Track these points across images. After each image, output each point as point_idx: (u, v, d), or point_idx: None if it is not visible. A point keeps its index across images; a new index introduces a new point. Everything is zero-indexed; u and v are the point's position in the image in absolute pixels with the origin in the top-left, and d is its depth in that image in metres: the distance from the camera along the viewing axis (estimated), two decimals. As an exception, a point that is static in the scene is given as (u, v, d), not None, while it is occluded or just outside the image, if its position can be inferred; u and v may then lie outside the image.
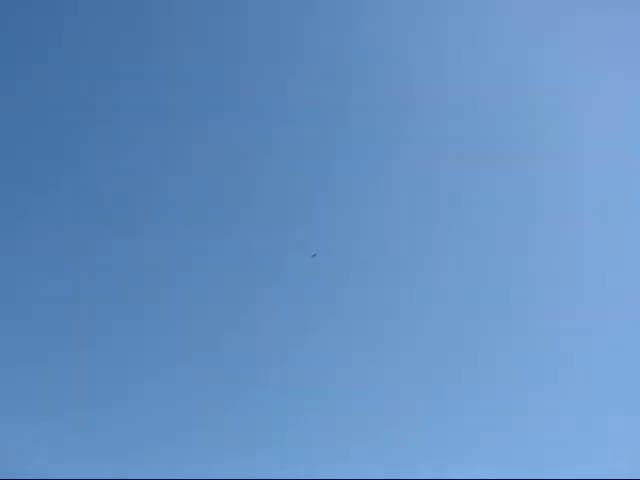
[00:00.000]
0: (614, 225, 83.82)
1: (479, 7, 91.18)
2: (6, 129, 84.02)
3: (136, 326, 77.41)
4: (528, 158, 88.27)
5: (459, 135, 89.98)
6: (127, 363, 74.40)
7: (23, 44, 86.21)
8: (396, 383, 74.48)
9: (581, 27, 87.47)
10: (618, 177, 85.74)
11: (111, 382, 72.59)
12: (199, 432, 70.21)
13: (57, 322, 75.53)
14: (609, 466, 63.32)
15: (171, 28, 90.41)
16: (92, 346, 74.70)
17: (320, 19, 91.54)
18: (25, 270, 78.02)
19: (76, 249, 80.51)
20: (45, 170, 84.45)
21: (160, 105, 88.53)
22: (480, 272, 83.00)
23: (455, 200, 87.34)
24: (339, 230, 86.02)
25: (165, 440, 69.40)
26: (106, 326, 76.54)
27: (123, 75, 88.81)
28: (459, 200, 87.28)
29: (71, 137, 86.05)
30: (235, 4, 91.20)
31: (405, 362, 76.36)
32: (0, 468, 62.01)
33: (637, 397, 69.56)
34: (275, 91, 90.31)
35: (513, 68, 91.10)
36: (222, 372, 74.94)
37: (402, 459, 67.65)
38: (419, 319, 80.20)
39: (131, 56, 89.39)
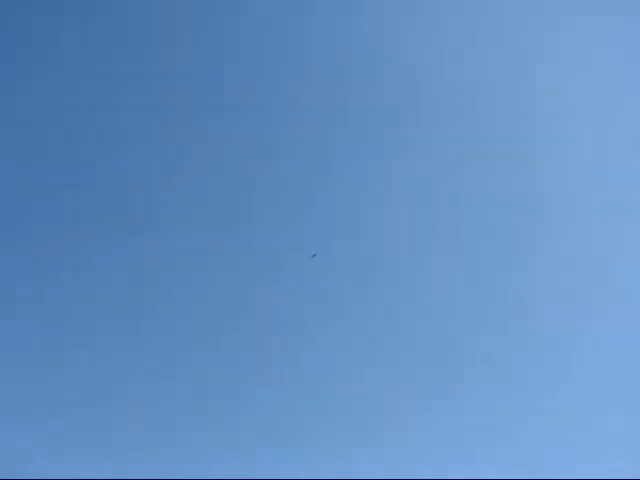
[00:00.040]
0: (614, 225, 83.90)
1: (479, 7, 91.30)
2: (6, 129, 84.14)
3: (136, 326, 77.52)
4: (528, 158, 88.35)
5: (459, 135, 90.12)
6: (127, 363, 74.50)
7: (23, 44, 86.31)
8: (396, 383, 74.58)
9: (581, 27, 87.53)
10: (618, 177, 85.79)
11: (111, 382, 72.68)
12: (199, 432, 70.26)
13: (57, 322, 75.60)
14: (609, 466, 63.32)
15: (171, 28, 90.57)
16: (92, 346, 74.76)
17: (320, 19, 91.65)
18: (25, 270, 78.14)
19: (76, 249, 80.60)
20: (45, 170, 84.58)
21: (160, 105, 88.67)
22: (480, 272, 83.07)
23: (455, 200, 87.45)
24: (339, 230, 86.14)
25: (165, 440, 69.45)
26: (106, 326, 76.65)
27: (123, 75, 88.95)
28: (459, 200, 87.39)
29: (71, 137, 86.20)
30: (235, 4, 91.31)
31: (406, 362, 76.44)
32: (0, 468, 62.03)
33: (637, 397, 69.58)
34: (275, 91, 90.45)
35: (513, 68, 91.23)
36: (222, 372, 75.04)
37: (402, 459, 67.67)
38: (419, 319, 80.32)
39: (131, 56, 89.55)
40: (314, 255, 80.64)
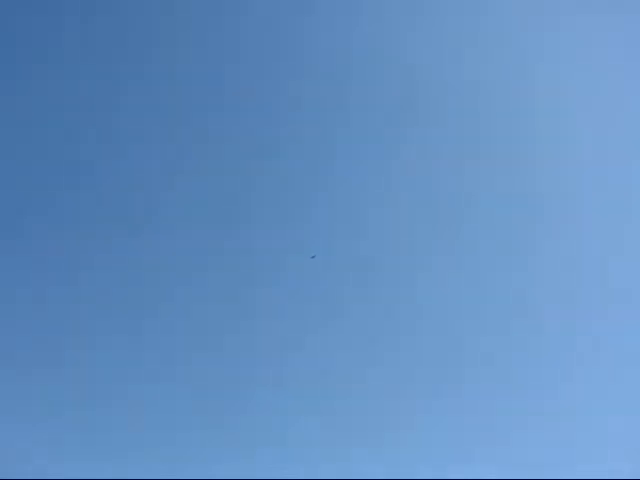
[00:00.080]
0: (614, 225, 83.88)
1: (479, 7, 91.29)
2: (6, 129, 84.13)
3: (136, 326, 77.50)
4: (528, 158, 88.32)
5: (459, 135, 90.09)
6: (127, 363, 74.49)
7: (23, 44, 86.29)
8: (396, 383, 74.55)
9: (581, 27, 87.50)
10: (618, 177, 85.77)
11: (111, 382, 72.65)
12: (199, 432, 70.24)
13: (57, 322, 75.59)
14: (609, 466, 63.30)
15: (171, 28, 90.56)
16: (92, 346, 74.75)
17: (320, 19, 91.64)
18: (25, 270, 78.11)
19: (76, 249, 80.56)
20: (45, 170, 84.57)
21: (160, 105, 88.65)
22: (480, 272, 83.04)
23: (455, 200, 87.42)
24: (339, 230, 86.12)
25: (165, 440, 69.42)
26: (106, 326, 76.63)
27: (123, 75, 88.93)
28: (459, 200, 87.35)
29: (71, 137, 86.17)
30: (235, 4, 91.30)
31: (405, 362, 76.41)
32: (0, 468, 62.01)
33: (637, 397, 69.57)
34: (275, 91, 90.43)
35: (513, 68, 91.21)
36: (222, 372, 75.03)
37: (402, 459, 67.65)
38: (419, 319, 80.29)
39: (131, 56, 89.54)
40: (314, 257, 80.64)
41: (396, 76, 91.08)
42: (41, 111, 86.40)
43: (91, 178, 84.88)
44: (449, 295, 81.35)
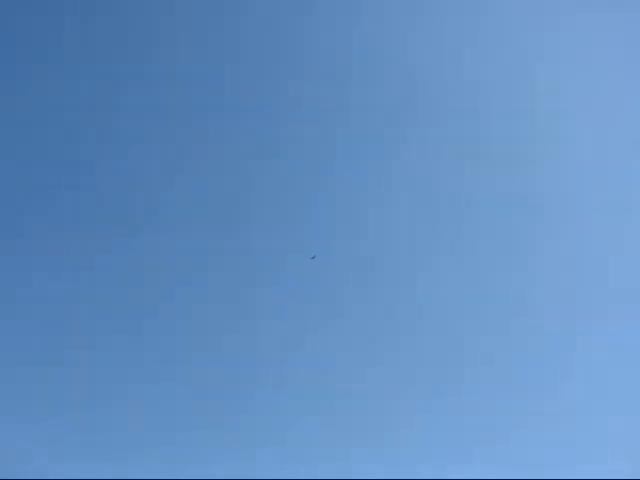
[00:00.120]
0: (614, 225, 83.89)
1: (479, 7, 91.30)
2: (6, 129, 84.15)
3: (136, 326, 77.53)
4: (528, 158, 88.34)
5: (459, 135, 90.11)
6: (127, 363, 74.52)
7: (23, 44, 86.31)
8: (396, 383, 74.58)
9: (581, 27, 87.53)
10: (618, 177, 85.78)
11: (111, 382, 72.68)
12: (199, 432, 70.28)
13: (57, 322, 75.61)
14: (609, 466, 63.33)
15: (171, 28, 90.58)
16: (92, 346, 74.78)
17: (320, 19, 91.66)
18: (25, 270, 78.12)
19: (76, 249, 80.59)
20: (45, 170, 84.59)
21: (160, 105, 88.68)
22: (480, 272, 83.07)
23: (455, 200, 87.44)
24: (339, 230, 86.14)
25: (165, 440, 69.46)
26: (106, 326, 76.66)
27: (123, 75, 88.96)
28: (459, 200, 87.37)
29: (71, 137, 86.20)
30: (235, 4, 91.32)
31: (405, 362, 76.45)
32: (0, 468, 62.04)
33: (637, 397, 69.59)
34: (275, 91, 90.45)
35: (513, 68, 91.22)
36: (222, 372, 75.05)
37: (402, 459, 67.69)
38: (419, 319, 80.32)
39: (131, 56, 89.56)
40: (313, 257, 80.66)
41: (396, 76, 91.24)
42: (41, 111, 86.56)
43: (91, 178, 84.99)
44: (449, 295, 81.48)
